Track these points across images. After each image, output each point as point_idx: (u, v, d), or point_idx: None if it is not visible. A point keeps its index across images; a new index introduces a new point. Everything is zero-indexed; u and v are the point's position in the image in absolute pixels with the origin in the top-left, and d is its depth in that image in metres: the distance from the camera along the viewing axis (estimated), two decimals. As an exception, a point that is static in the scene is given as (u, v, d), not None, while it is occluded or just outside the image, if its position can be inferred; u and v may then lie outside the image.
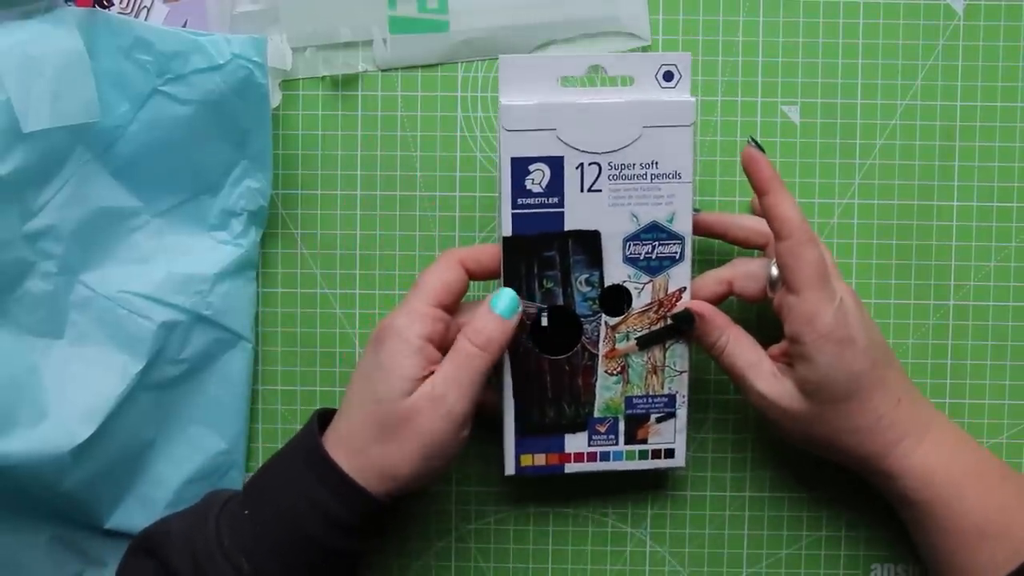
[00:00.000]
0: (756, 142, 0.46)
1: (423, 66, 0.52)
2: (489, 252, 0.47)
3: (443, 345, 0.45)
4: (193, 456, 0.50)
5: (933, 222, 0.52)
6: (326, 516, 0.43)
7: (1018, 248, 0.52)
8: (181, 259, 0.50)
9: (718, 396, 0.53)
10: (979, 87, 0.52)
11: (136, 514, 0.50)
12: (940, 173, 0.52)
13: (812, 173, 0.52)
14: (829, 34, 0.52)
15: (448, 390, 0.44)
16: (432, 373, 0.44)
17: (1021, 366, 0.52)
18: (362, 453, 0.44)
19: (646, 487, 0.53)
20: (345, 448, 0.44)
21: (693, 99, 0.46)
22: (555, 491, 0.53)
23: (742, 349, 0.47)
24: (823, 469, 0.52)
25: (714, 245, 0.52)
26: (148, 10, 0.50)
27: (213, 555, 0.43)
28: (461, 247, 0.48)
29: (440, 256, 0.46)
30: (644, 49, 0.52)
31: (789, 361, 0.46)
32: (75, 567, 0.50)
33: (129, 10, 0.50)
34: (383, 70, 0.52)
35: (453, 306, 0.46)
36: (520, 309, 0.46)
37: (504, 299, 0.46)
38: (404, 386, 0.44)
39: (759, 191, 0.45)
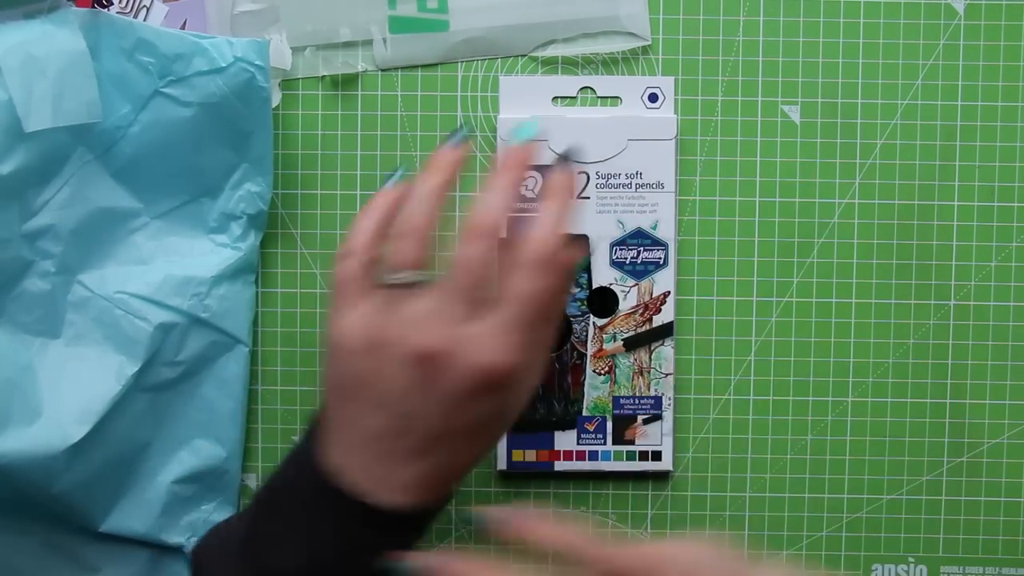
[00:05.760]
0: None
1: (423, 66, 0.52)
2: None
3: None
4: (188, 459, 0.50)
5: (934, 222, 0.52)
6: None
7: (1019, 248, 0.52)
8: (180, 261, 0.50)
9: (718, 396, 0.52)
10: (980, 86, 0.52)
11: (131, 517, 0.50)
12: (941, 173, 0.52)
13: (812, 173, 0.52)
14: (829, 33, 0.52)
15: None
16: None
17: (1022, 366, 0.52)
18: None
19: (646, 487, 0.53)
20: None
21: (675, 116, 0.51)
22: (555, 492, 0.53)
23: None
24: (823, 469, 0.52)
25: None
26: (147, 10, 0.50)
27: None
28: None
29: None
30: (644, 49, 0.52)
31: None
32: (67, 573, 0.50)
33: (128, 9, 0.50)
34: (383, 70, 0.52)
35: None
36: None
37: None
38: None
39: None
